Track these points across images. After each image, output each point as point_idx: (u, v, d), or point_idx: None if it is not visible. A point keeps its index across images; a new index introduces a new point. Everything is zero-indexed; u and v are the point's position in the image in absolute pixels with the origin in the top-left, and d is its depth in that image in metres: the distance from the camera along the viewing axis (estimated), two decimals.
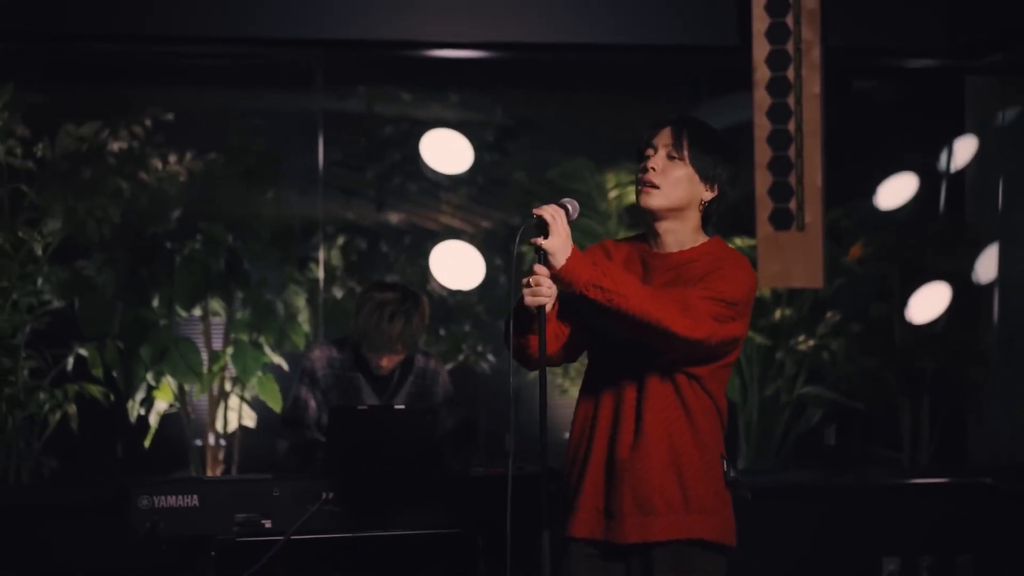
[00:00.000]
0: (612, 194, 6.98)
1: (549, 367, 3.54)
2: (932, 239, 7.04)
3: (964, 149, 7.23)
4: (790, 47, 5.61)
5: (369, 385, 4.94)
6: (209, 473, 6.55)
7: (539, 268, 3.35)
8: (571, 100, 6.97)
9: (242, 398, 6.58)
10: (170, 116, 6.68)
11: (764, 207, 5.63)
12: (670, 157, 3.50)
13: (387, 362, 4.91)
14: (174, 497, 4.27)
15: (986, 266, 7.05)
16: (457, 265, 6.77)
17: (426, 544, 4.68)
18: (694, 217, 3.57)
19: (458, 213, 6.73)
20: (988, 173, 7.11)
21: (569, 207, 3.41)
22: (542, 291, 3.35)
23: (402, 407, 4.57)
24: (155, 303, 6.42)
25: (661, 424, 3.50)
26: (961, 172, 7.18)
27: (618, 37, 6.23)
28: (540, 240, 3.33)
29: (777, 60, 5.61)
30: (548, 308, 3.41)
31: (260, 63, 6.60)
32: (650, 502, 3.48)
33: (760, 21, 5.64)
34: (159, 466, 6.67)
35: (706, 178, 3.53)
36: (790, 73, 5.61)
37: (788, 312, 6.80)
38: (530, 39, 6.27)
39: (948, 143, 7.18)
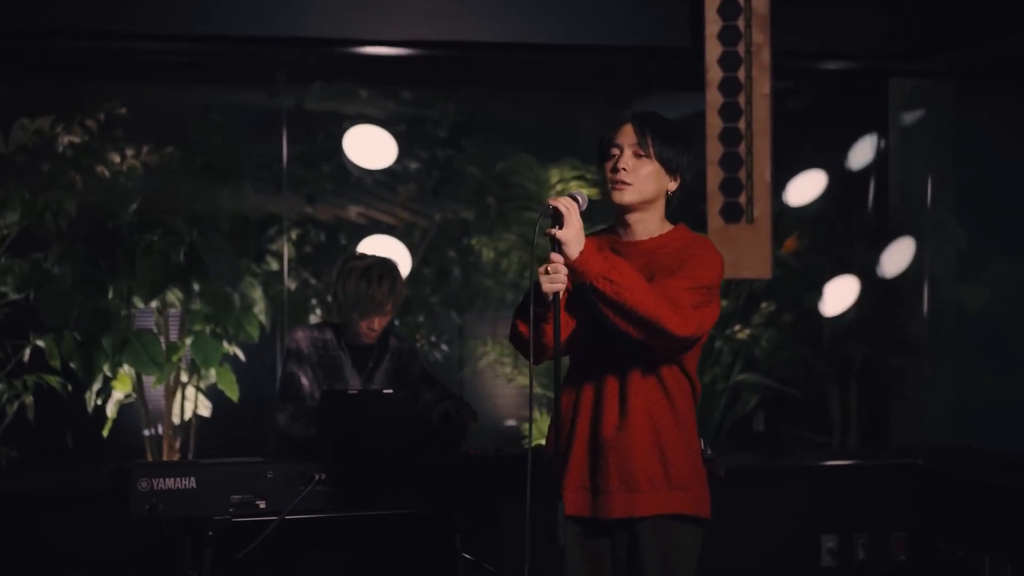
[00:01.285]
0: (556, 189, 7.21)
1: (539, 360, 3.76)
2: (858, 234, 7.36)
3: (868, 148, 7.56)
4: (741, 49, 5.88)
5: (350, 362, 5.07)
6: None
7: (555, 256, 3.54)
8: (520, 97, 7.16)
9: (198, 388, 6.69)
10: (123, 110, 6.78)
11: (715, 201, 5.90)
12: (637, 155, 3.73)
13: (377, 326, 5.03)
14: (172, 480, 4.39)
15: (894, 259, 7.36)
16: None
17: (410, 523, 4.89)
18: (660, 206, 3.82)
19: (412, 207, 6.87)
20: (910, 170, 7.45)
21: (579, 199, 3.61)
22: (560, 278, 3.54)
23: (389, 392, 4.73)
24: (112, 295, 6.48)
25: (643, 406, 3.73)
26: (885, 169, 7.50)
27: (573, 38, 6.41)
28: (555, 230, 3.53)
29: (729, 61, 5.88)
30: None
31: (220, 59, 6.69)
32: (635, 479, 3.71)
33: (713, 24, 5.90)
34: (115, 455, 6.75)
35: (671, 170, 3.78)
36: (741, 74, 5.88)
37: (725, 303, 7.07)
38: (487, 39, 6.43)
39: (870, 142, 7.50)
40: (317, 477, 4.48)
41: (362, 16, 6.40)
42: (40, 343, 6.42)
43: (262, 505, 4.47)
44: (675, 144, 3.77)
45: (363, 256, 5.13)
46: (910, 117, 7.40)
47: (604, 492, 3.73)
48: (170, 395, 6.68)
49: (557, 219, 3.55)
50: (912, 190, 7.40)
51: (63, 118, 6.62)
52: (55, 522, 5.90)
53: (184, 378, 6.67)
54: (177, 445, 6.71)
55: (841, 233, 7.37)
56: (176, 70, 6.95)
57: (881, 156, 7.45)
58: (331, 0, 6.38)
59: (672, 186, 3.80)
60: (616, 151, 3.75)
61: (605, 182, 3.81)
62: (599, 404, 3.75)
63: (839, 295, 7.30)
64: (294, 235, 6.85)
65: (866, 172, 7.49)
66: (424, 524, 4.93)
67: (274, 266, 6.74)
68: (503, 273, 7.14)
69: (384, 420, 4.63)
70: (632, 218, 3.79)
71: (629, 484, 3.71)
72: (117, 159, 6.61)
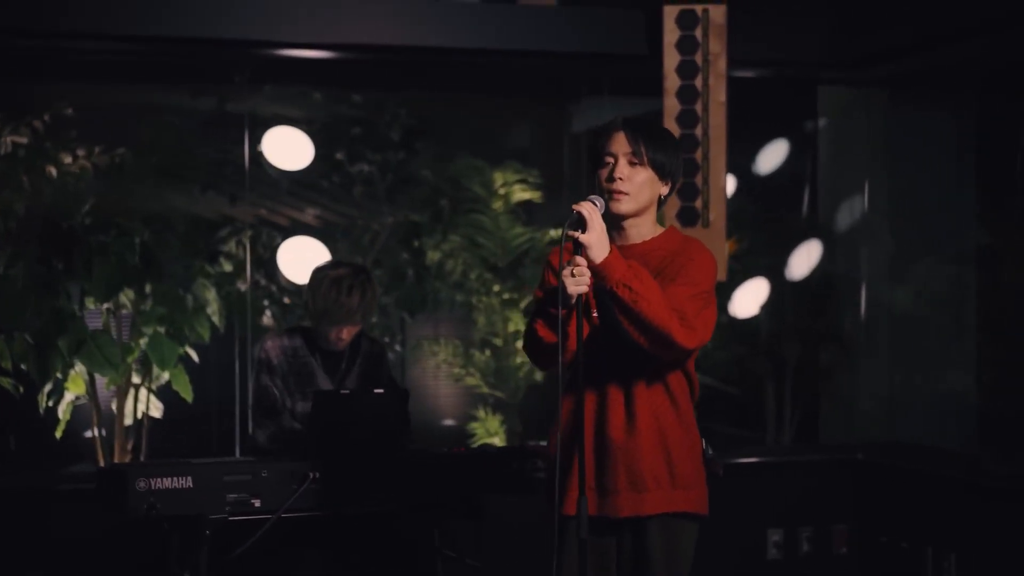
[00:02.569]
0: (500, 192, 7.34)
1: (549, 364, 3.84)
2: (776, 237, 7.61)
3: (776, 153, 7.83)
4: (699, 58, 6.05)
5: (322, 368, 5.14)
6: (117, 461, 6.64)
7: (580, 259, 3.64)
8: (465, 101, 7.27)
9: (150, 389, 6.69)
10: (69, 111, 6.77)
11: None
12: (631, 164, 3.83)
13: (347, 335, 5.10)
14: (169, 479, 4.43)
15: (801, 261, 7.61)
16: (302, 259, 6.96)
17: (394, 520, 4.99)
18: (653, 210, 3.94)
19: (366, 207, 6.95)
20: (841, 176, 7.71)
21: (598, 203, 3.73)
22: (584, 280, 3.64)
23: (380, 391, 4.82)
24: (68, 296, 6.46)
25: (649, 409, 3.85)
26: (814, 175, 7.75)
27: (523, 44, 6.52)
28: (579, 234, 3.64)
29: (686, 69, 6.05)
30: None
31: (174, 60, 6.70)
32: (642, 479, 3.83)
33: (671, 33, 6.06)
34: (63, 458, 6.75)
35: (664, 176, 3.89)
36: (698, 82, 6.05)
37: None
38: (440, 43, 6.51)
39: (805, 146, 7.76)
40: (311, 476, 4.54)
41: (311, 19, 6.43)
42: None
43: (257, 504, 4.52)
44: (667, 149, 3.88)
45: (336, 264, 5.18)
46: (841, 124, 7.65)
47: (612, 492, 3.84)
48: (122, 396, 6.67)
49: (581, 223, 3.64)
50: (843, 195, 7.65)
51: (10, 118, 6.58)
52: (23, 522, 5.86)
53: (136, 379, 6.66)
54: (129, 447, 6.70)
55: (767, 236, 7.60)
56: (125, 71, 6.92)
57: (810, 162, 7.69)
58: (282, 3, 6.41)
59: (664, 190, 3.93)
60: (610, 159, 3.84)
61: (597, 187, 3.89)
62: (604, 407, 3.85)
63: (750, 297, 7.54)
64: (246, 238, 6.86)
65: (799, 177, 7.72)
66: (407, 521, 5.04)
67: (227, 267, 6.75)
68: (448, 275, 7.25)
69: (375, 418, 4.72)
70: (628, 223, 3.90)
71: (636, 484, 3.83)
72: (68, 160, 6.59)
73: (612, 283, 3.63)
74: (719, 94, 6.05)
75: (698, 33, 6.05)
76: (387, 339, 6.92)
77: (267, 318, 6.88)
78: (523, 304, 7.40)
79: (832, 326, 7.58)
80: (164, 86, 7.00)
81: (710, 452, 4.01)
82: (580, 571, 3.68)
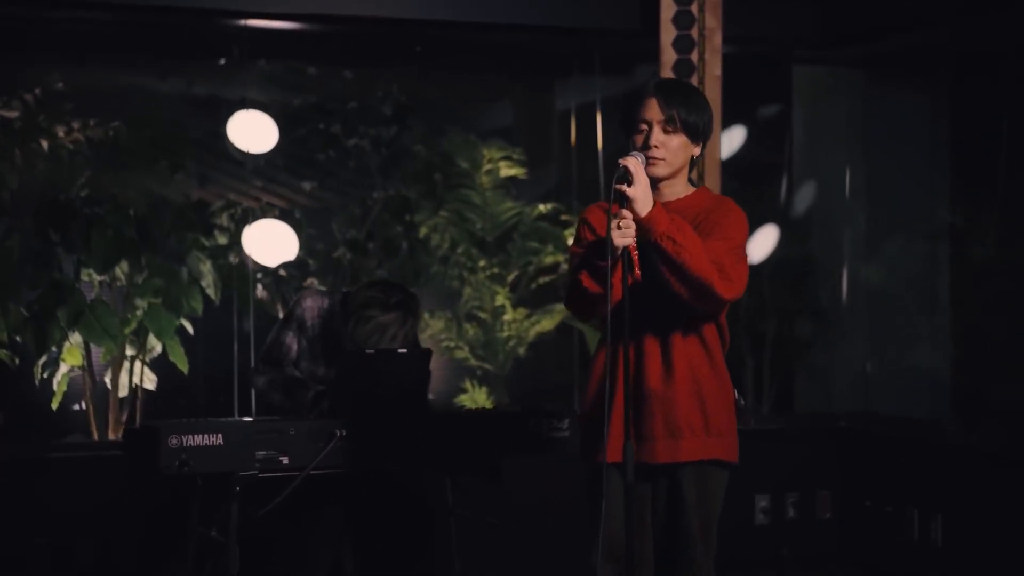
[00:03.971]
0: (486, 168, 7.45)
1: (591, 317, 3.95)
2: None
3: (749, 132, 7.99)
4: (694, 33, 6.19)
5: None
6: (111, 436, 6.68)
7: (625, 212, 3.74)
8: (457, 78, 7.36)
9: (144, 361, 6.73)
10: (60, 85, 6.79)
11: None
12: (665, 131, 3.93)
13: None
14: (200, 436, 4.49)
15: (759, 244, 7.77)
16: (270, 240, 7.01)
17: (412, 479, 5.09)
18: (686, 170, 4.05)
19: (361, 183, 7.01)
20: (815, 155, 7.89)
21: (641, 158, 3.84)
22: (630, 233, 3.74)
23: (404, 351, 4.89)
24: (60, 269, 6.48)
25: (685, 359, 3.95)
26: (790, 154, 7.92)
27: (514, 17, 6.62)
28: (625, 187, 3.74)
29: (682, 44, 6.18)
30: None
31: (178, 34, 6.74)
32: (677, 427, 3.93)
33: (668, 9, 6.20)
34: (58, 430, 6.77)
35: (696, 139, 4.00)
36: (694, 56, 6.19)
37: None
38: (430, 16, 6.61)
39: (779, 125, 7.92)
40: (338, 434, 4.62)
41: None
42: None
43: (285, 461, 4.59)
44: (699, 112, 3.98)
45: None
46: (816, 103, 7.82)
47: (649, 439, 3.93)
48: (116, 368, 6.70)
49: (626, 177, 3.75)
50: (819, 173, 7.83)
51: (1, 91, 6.60)
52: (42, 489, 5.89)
53: (129, 351, 6.69)
54: (123, 418, 6.73)
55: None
56: (116, 45, 6.96)
57: (786, 142, 7.86)
58: None
59: (696, 151, 4.04)
60: (644, 127, 3.93)
61: (628, 151, 3.95)
62: (641, 358, 3.93)
63: None
64: (239, 210, 6.92)
65: (774, 156, 7.88)
66: (421, 482, 5.13)
67: (221, 240, 6.79)
68: (435, 249, 7.34)
69: (399, 378, 4.80)
70: (662, 185, 3.99)
71: (672, 431, 3.93)
72: (62, 133, 6.61)
73: (656, 236, 3.73)
74: (714, 68, 6.20)
75: (694, 8, 6.19)
76: None
77: (260, 291, 6.92)
78: (510, 278, 7.51)
79: (808, 302, 7.76)
80: (155, 61, 7.00)
81: (742, 402, 4.13)
82: (627, 514, 3.78)
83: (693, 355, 3.97)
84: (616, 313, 3.76)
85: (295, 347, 5.06)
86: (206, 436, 4.51)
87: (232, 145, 6.95)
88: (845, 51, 7.52)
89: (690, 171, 4.09)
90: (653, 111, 3.93)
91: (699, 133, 3.99)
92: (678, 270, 3.75)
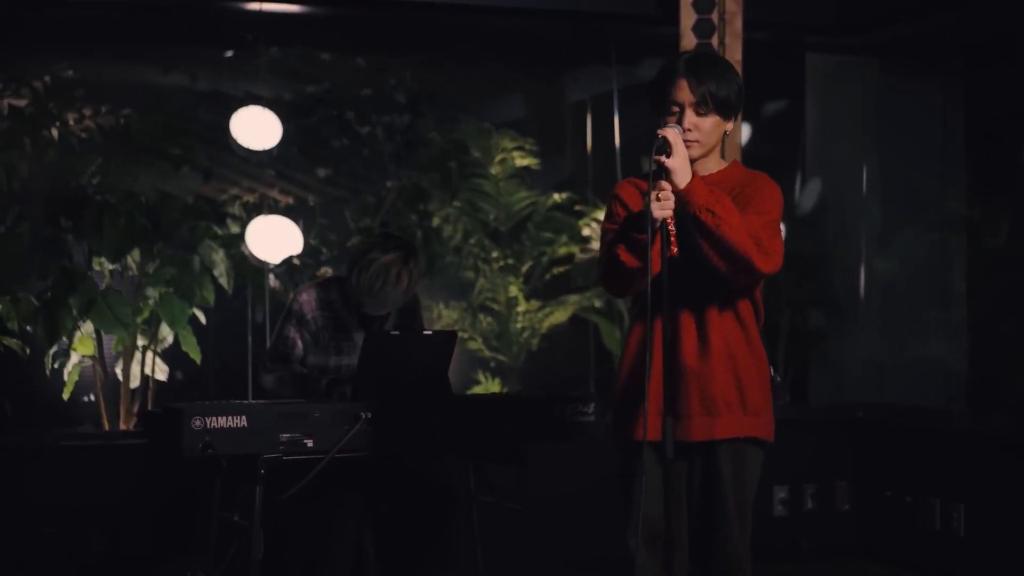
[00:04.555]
0: (498, 158, 7.40)
1: (627, 291, 3.90)
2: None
3: (764, 119, 7.94)
4: (715, 16, 6.15)
5: (357, 321, 5.09)
6: (123, 426, 6.61)
7: (664, 184, 3.69)
8: (471, 66, 7.32)
9: (155, 351, 6.66)
10: (70, 72, 6.74)
11: None
12: (698, 112, 3.85)
13: (386, 312, 5.04)
14: (224, 418, 4.42)
15: None
16: (273, 236, 6.95)
17: (436, 463, 5.03)
18: (719, 146, 3.99)
19: (374, 171, 6.96)
20: (829, 143, 7.85)
21: (679, 130, 3.78)
22: (669, 204, 3.68)
23: (429, 332, 4.83)
24: (70, 257, 6.42)
25: (721, 334, 3.88)
26: (803, 142, 7.88)
27: (530, 2, 6.58)
28: (664, 158, 3.68)
29: (703, 28, 6.13)
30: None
31: (190, 21, 6.68)
32: (714, 404, 3.86)
33: None
34: (67, 420, 6.71)
35: (728, 115, 3.93)
36: (714, 40, 6.14)
37: None
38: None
39: (793, 113, 7.89)
40: (363, 416, 4.55)
41: None
42: None
43: (310, 444, 4.53)
44: (730, 89, 3.90)
45: (386, 246, 4.93)
46: (831, 92, 7.78)
47: (685, 416, 3.86)
48: (128, 358, 6.63)
49: (665, 148, 3.69)
50: (832, 163, 7.79)
51: (10, 79, 6.54)
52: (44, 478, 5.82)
53: (141, 341, 6.63)
54: (135, 409, 6.66)
55: None
56: (128, 32, 6.89)
57: (800, 129, 7.83)
58: None
59: (729, 127, 3.97)
60: (676, 108, 3.86)
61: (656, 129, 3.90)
62: (676, 333, 3.86)
63: None
64: (249, 199, 6.86)
65: (790, 143, 7.85)
66: (443, 467, 5.08)
67: (234, 229, 6.73)
68: (449, 239, 7.29)
69: (423, 360, 4.75)
70: (696, 163, 3.90)
71: (709, 408, 3.86)
72: (72, 121, 6.55)
73: (695, 208, 3.67)
74: (735, 52, 6.15)
75: None
76: None
77: (273, 280, 6.85)
78: (524, 269, 7.46)
79: (823, 293, 7.71)
80: (166, 49, 6.94)
81: (778, 379, 4.07)
82: (666, 491, 3.72)
83: (729, 331, 3.91)
84: (654, 287, 3.68)
85: (299, 342, 5.01)
86: (230, 418, 4.44)
87: (236, 142, 6.89)
88: (858, 38, 7.47)
89: (723, 147, 4.03)
90: (684, 93, 3.85)
91: (731, 108, 3.92)
92: (717, 243, 3.69)
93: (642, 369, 3.87)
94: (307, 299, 5.06)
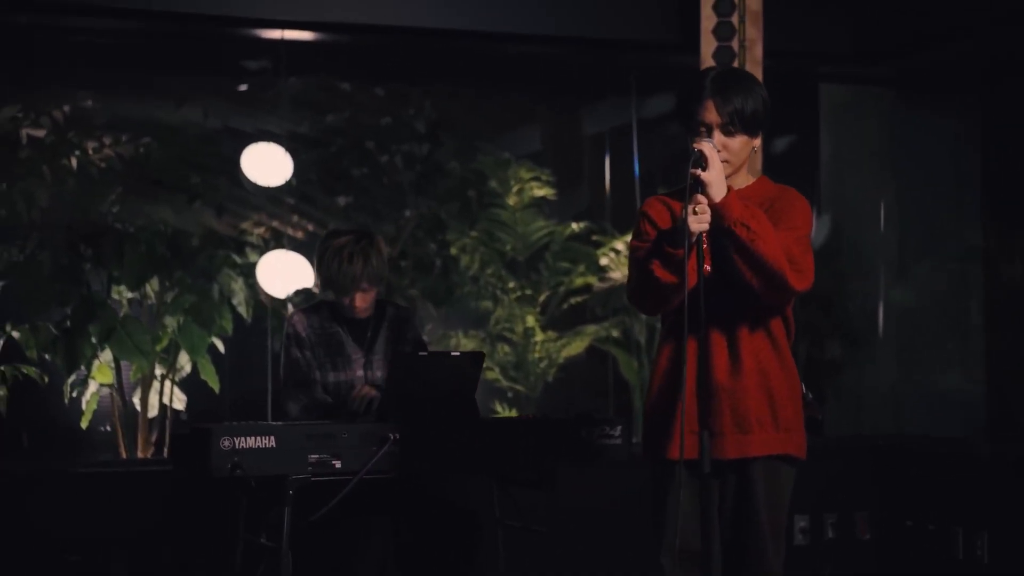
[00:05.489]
0: (514, 189, 7.42)
1: (660, 309, 3.88)
2: None
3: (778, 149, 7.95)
4: (735, 44, 6.18)
5: (350, 337, 5.11)
6: (140, 455, 6.59)
7: (700, 197, 3.68)
8: (488, 96, 7.35)
9: (173, 381, 6.65)
10: (89, 103, 6.76)
11: None
12: (727, 133, 3.85)
13: (361, 302, 5.06)
14: (253, 439, 4.40)
15: None
16: (282, 271, 6.95)
17: (462, 486, 5.00)
18: (747, 163, 3.98)
19: (394, 200, 6.97)
20: (844, 173, 7.88)
21: (713, 143, 3.78)
22: (706, 218, 3.66)
23: (457, 353, 4.82)
24: (88, 286, 6.42)
25: (752, 352, 3.87)
26: (817, 171, 7.90)
27: (550, 29, 6.62)
28: (700, 172, 3.67)
29: (723, 55, 6.16)
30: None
31: (211, 50, 6.72)
32: (747, 421, 3.84)
33: (708, 20, 6.19)
34: (85, 450, 6.69)
35: (755, 132, 3.92)
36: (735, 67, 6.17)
37: None
38: (463, 27, 6.58)
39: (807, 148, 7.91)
40: (392, 437, 4.53)
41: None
42: (15, 334, 6.32)
43: (338, 464, 4.51)
44: (756, 106, 3.89)
45: (338, 233, 5.12)
46: (845, 122, 7.81)
47: (717, 434, 3.83)
48: (146, 387, 6.62)
49: (701, 161, 3.69)
50: (847, 193, 7.81)
51: (30, 109, 6.57)
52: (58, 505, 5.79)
53: (159, 370, 6.61)
54: (153, 439, 6.64)
55: None
56: (148, 57, 6.94)
57: (815, 161, 7.86)
58: None
59: (757, 143, 3.96)
60: (704, 129, 3.85)
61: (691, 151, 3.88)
62: (707, 351, 3.82)
63: None
64: (267, 230, 6.87)
65: (804, 173, 7.86)
66: (468, 492, 5.05)
67: (253, 258, 6.73)
68: (465, 270, 7.29)
69: (450, 381, 4.73)
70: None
71: (741, 426, 3.85)
72: (91, 150, 6.57)
73: (731, 222, 3.67)
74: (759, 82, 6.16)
75: (735, 20, 6.17)
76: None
77: (291, 310, 6.84)
78: (541, 298, 7.45)
79: (840, 324, 7.70)
80: (185, 78, 6.97)
81: (810, 396, 4.05)
82: (704, 507, 3.71)
83: (760, 348, 3.89)
84: (689, 302, 3.65)
85: (305, 362, 5.05)
86: (259, 439, 4.42)
87: (246, 178, 6.92)
88: (874, 68, 7.50)
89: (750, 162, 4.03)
90: (711, 114, 3.85)
91: (758, 125, 3.91)
92: (751, 258, 3.68)
93: (673, 387, 3.87)
94: (298, 320, 5.13)
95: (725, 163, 3.83)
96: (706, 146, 3.71)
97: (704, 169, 3.68)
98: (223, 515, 4.88)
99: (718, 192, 3.67)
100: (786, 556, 3.92)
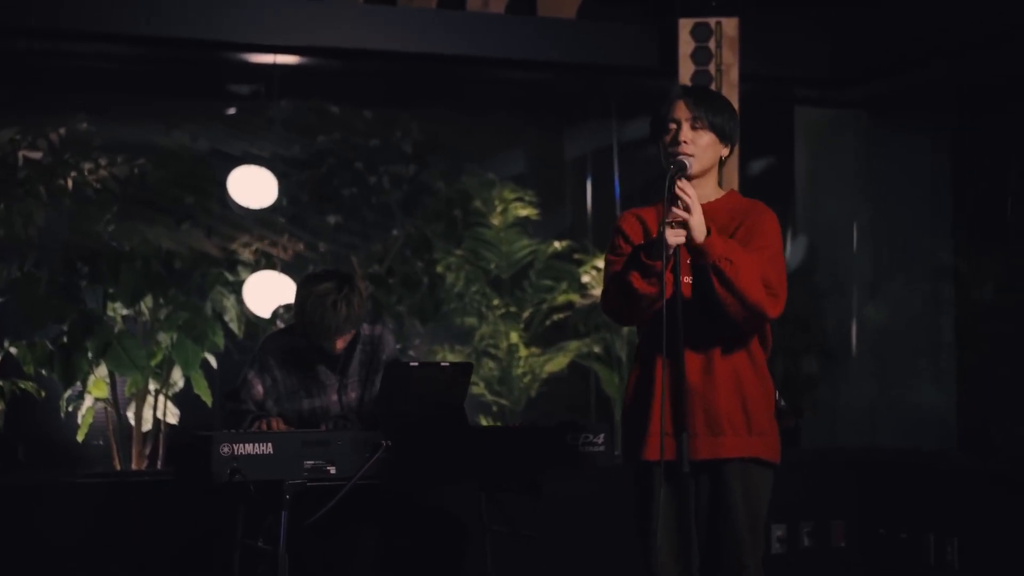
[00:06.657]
0: (499, 209, 7.61)
1: (636, 320, 4.02)
2: None
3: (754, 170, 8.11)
4: (712, 68, 6.39)
5: (324, 361, 5.19)
6: (134, 467, 6.74)
7: (678, 211, 3.79)
8: (473, 119, 7.54)
9: (167, 395, 6.81)
10: (84, 125, 6.93)
11: None
12: (694, 128, 4.02)
13: (341, 344, 5.14)
14: (251, 445, 4.57)
15: None
16: (265, 291, 7.11)
17: (451, 493, 5.17)
18: (715, 173, 4.13)
19: (382, 220, 7.15)
20: (817, 197, 8.08)
21: (688, 164, 3.97)
22: (683, 232, 3.81)
23: (447, 364, 4.99)
24: (92, 300, 6.58)
25: (727, 358, 4.01)
26: (792, 193, 8.10)
27: (530, 54, 6.82)
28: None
29: (700, 79, 6.37)
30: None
31: (203, 73, 6.89)
32: (719, 423, 3.97)
33: (686, 44, 6.40)
34: (79, 463, 6.83)
35: (724, 138, 4.09)
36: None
37: None
38: (450, 52, 6.78)
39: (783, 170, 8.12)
40: (384, 444, 4.70)
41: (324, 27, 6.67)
42: (13, 350, 6.48)
43: (332, 470, 4.67)
44: (725, 113, 4.09)
45: (320, 278, 5.09)
46: (821, 144, 8.01)
47: (690, 435, 3.92)
48: (140, 402, 6.78)
49: (684, 170, 3.87)
50: (822, 212, 8.01)
51: (27, 131, 6.73)
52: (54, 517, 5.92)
53: (152, 385, 6.77)
54: (147, 452, 6.79)
55: None
56: (140, 81, 7.10)
57: (788, 179, 8.06)
58: (284, 10, 6.65)
59: (725, 152, 4.12)
60: (673, 125, 4.03)
61: (662, 155, 4.05)
62: (682, 357, 3.91)
63: None
64: (258, 249, 7.03)
65: (778, 195, 8.06)
66: (454, 498, 5.22)
67: (244, 275, 6.90)
68: (452, 286, 7.47)
69: (440, 391, 4.90)
70: (693, 180, 3.99)
71: (713, 428, 3.97)
72: (87, 171, 6.74)
73: (714, 259, 3.81)
74: (732, 103, 6.36)
75: (712, 44, 6.39)
76: (398, 346, 7.08)
77: (282, 324, 7.01)
78: (524, 315, 7.63)
79: (815, 340, 7.90)
80: (178, 101, 7.14)
81: (783, 403, 4.19)
82: (682, 504, 3.86)
83: (735, 356, 4.03)
84: (665, 313, 3.80)
85: (259, 386, 5.15)
86: (256, 445, 4.58)
87: (232, 200, 7.09)
88: (847, 92, 7.70)
89: (719, 174, 4.17)
90: (681, 111, 4.03)
91: (726, 134, 4.08)
92: (734, 291, 3.82)
93: (647, 390, 4.02)
94: (272, 348, 5.20)
95: (692, 157, 3.99)
96: (685, 186, 3.85)
97: (687, 177, 3.88)
98: (221, 521, 5.02)
99: (700, 232, 3.81)
100: (763, 564, 4.03)
